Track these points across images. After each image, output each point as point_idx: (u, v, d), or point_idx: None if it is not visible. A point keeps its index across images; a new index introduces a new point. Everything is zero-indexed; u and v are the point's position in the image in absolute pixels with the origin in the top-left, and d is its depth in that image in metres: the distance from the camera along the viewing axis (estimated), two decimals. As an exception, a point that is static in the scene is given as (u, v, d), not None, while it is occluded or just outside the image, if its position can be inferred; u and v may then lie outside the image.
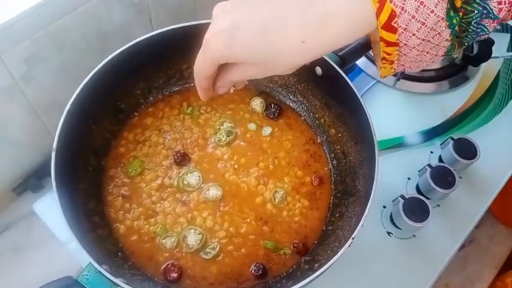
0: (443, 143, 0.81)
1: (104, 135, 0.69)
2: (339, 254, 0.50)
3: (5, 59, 0.61)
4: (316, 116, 0.75)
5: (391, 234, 0.73)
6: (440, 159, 0.80)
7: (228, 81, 0.44)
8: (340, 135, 0.71)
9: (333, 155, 0.72)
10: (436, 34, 0.36)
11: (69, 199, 0.55)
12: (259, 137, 0.73)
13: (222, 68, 0.43)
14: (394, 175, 0.79)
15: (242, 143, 0.72)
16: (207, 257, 0.62)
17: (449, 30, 0.36)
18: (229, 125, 0.73)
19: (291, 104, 0.77)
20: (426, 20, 0.35)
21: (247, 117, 0.75)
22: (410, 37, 0.36)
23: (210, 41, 0.39)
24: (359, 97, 0.61)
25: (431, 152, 0.82)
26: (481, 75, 0.95)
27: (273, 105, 0.76)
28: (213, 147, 0.71)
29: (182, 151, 0.69)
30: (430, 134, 0.85)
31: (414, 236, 0.73)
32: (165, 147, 0.71)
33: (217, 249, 0.63)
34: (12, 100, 0.66)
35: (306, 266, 0.61)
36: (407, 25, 0.36)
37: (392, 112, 0.88)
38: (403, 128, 0.85)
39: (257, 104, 0.77)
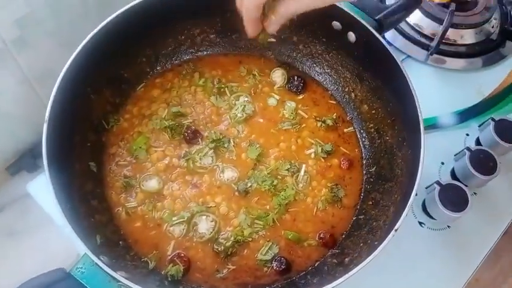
0: (481, 124, 0.74)
1: (104, 108, 0.63)
2: (380, 248, 0.44)
3: (-5, 19, 0.55)
4: (346, 90, 0.69)
5: (422, 225, 0.67)
6: (478, 142, 0.73)
7: (284, 14, 0.46)
8: (374, 111, 0.65)
9: (365, 135, 0.66)
10: None
11: (64, 179, 0.49)
12: (280, 113, 0.67)
13: (277, 2, 0.46)
14: (426, 159, 0.71)
15: (261, 120, 0.66)
16: (220, 248, 0.56)
17: None
18: (246, 99, 0.67)
19: (317, 77, 0.71)
20: None
21: (267, 91, 0.69)
22: None
23: None
24: (401, 66, 0.54)
25: (467, 135, 0.76)
26: (520, 52, 0.87)
27: (296, 77, 0.70)
28: (228, 124, 0.65)
29: (193, 128, 0.64)
30: (466, 115, 0.78)
31: (448, 226, 0.67)
32: (173, 122, 0.65)
33: (231, 239, 0.57)
34: (4, 67, 0.61)
35: (334, 260, 0.55)
36: None
37: (425, 90, 0.78)
38: (436, 107, 0.77)
39: (278, 76, 0.70)
